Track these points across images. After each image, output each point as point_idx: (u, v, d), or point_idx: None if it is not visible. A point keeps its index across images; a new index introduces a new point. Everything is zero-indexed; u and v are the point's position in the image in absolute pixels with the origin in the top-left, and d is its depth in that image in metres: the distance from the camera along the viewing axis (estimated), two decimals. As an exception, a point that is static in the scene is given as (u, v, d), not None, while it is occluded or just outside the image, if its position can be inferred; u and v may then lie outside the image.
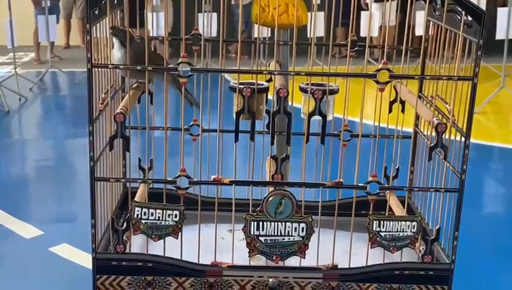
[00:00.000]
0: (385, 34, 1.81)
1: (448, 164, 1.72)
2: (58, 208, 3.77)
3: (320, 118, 1.67)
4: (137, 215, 1.66)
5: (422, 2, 1.78)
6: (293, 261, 1.69)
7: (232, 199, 1.72)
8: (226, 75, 1.79)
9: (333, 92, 1.87)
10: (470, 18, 1.64)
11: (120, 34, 1.77)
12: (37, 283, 2.83)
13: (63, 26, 9.17)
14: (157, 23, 5.55)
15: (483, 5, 6.37)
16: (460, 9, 1.66)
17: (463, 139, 1.67)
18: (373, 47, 2.10)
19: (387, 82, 1.63)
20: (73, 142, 5.09)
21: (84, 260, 2.94)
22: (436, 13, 1.89)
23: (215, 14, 6.50)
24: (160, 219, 1.66)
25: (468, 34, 1.65)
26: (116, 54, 1.78)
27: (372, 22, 6.66)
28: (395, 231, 1.69)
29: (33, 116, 6.03)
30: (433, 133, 1.68)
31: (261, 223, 1.65)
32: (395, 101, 1.96)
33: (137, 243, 1.82)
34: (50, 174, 4.42)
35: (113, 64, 1.73)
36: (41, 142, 5.23)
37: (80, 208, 3.50)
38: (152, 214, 1.66)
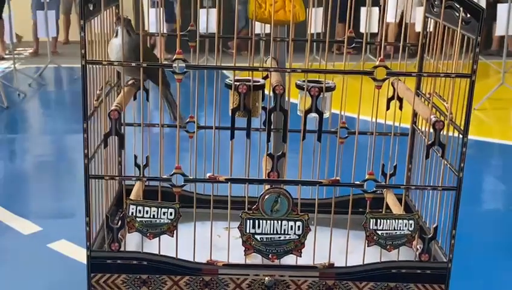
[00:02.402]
0: (386, 31, 1.80)
1: (445, 162, 1.71)
2: (57, 204, 3.76)
3: (317, 115, 1.66)
4: (132, 213, 1.65)
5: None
6: (289, 259, 1.68)
7: (228, 196, 1.71)
8: (225, 71, 1.78)
9: (330, 89, 1.86)
10: (468, 15, 1.62)
11: (125, 23, 1.75)
12: (35, 279, 2.83)
13: (62, 22, 9.17)
14: (155, 19, 5.52)
15: (483, 2, 6.35)
16: (458, 6, 1.65)
17: (461, 136, 1.65)
18: (371, 44, 2.09)
19: (385, 79, 1.62)
20: (72, 138, 5.08)
21: (82, 256, 2.92)
22: (434, 10, 1.88)
23: (214, 10, 6.49)
24: (155, 216, 1.65)
25: (466, 30, 1.64)
26: (115, 41, 1.76)
27: (372, 18, 6.64)
28: (392, 230, 1.68)
29: (32, 112, 6.03)
30: (431, 131, 1.67)
31: (257, 221, 1.64)
32: (392, 98, 1.95)
33: (132, 241, 1.81)
34: (48, 170, 4.42)
35: (107, 61, 1.72)
36: (40, 137, 5.23)
37: (79, 204, 3.47)
38: (147, 212, 1.65)
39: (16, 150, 5.03)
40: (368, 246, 1.68)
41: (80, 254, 3.01)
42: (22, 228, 3.39)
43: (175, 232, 1.66)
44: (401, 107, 1.92)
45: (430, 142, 1.66)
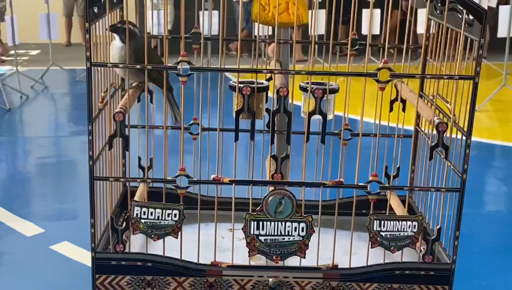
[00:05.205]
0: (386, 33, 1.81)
1: (449, 163, 1.71)
2: (59, 206, 3.77)
3: (321, 117, 1.66)
4: (137, 214, 1.66)
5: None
6: (293, 261, 1.69)
7: (232, 198, 1.72)
8: (227, 73, 1.78)
9: (333, 91, 1.86)
10: (471, 17, 1.63)
11: (121, 29, 1.76)
12: (38, 281, 2.83)
13: (64, 24, 9.19)
14: (157, 21, 5.54)
15: (485, 4, 6.35)
16: (461, 8, 1.65)
17: (464, 138, 1.66)
18: (374, 45, 2.10)
19: (388, 81, 1.63)
20: (74, 140, 5.09)
21: (85, 258, 2.94)
22: (437, 12, 1.88)
23: (216, 12, 6.50)
24: (160, 218, 1.66)
25: (469, 32, 1.65)
26: (116, 45, 1.77)
27: (374, 19, 6.64)
28: (395, 231, 1.68)
29: (34, 114, 6.03)
30: (434, 132, 1.67)
31: (261, 222, 1.64)
32: (396, 99, 1.95)
33: (137, 243, 1.82)
34: (51, 171, 4.42)
35: (112, 63, 1.72)
36: (43, 139, 5.23)
37: (81, 206, 3.50)
38: (152, 214, 1.66)
39: (18, 152, 5.04)
40: (371, 248, 1.68)
41: (82, 256, 3.01)
42: (25, 230, 3.39)
43: (179, 233, 1.67)
44: (404, 109, 1.93)
45: (433, 143, 1.67)
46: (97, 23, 1.70)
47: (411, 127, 2.07)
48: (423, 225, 1.70)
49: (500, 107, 6.12)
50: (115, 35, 1.77)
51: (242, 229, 1.65)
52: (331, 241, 1.69)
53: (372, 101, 1.79)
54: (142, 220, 1.66)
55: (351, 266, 1.70)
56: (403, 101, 1.94)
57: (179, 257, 1.68)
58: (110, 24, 1.79)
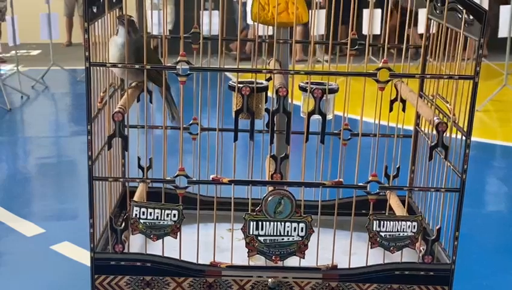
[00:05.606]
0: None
1: (449, 164, 1.71)
2: (60, 206, 3.77)
3: (320, 117, 1.66)
4: (136, 214, 1.65)
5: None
6: (292, 261, 1.68)
7: (231, 198, 1.71)
8: (227, 73, 1.78)
9: (333, 91, 1.86)
10: (471, 16, 1.62)
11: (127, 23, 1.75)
12: (38, 281, 2.83)
13: (65, 24, 9.19)
14: (158, 21, 5.53)
15: (486, 4, 6.34)
16: (461, 8, 1.65)
17: (464, 138, 1.65)
18: (374, 46, 2.09)
19: (388, 81, 1.62)
20: (75, 140, 5.09)
21: (85, 258, 2.92)
22: (437, 12, 1.88)
23: (216, 12, 6.50)
24: (159, 218, 1.66)
25: (469, 32, 1.64)
26: (118, 41, 1.76)
27: (374, 19, 6.63)
28: (395, 231, 1.68)
29: (35, 114, 6.03)
30: (434, 132, 1.67)
31: (260, 223, 1.64)
32: (395, 99, 1.95)
33: (136, 243, 1.81)
34: (51, 171, 4.42)
35: (110, 63, 1.72)
36: (43, 139, 5.24)
37: (81, 206, 3.49)
38: (151, 214, 1.65)
39: (19, 152, 5.04)
40: (371, 248, 1.68)
41: (83, 256, 3.01)
42: (25, 230, 3.39)
43: (178, 233, 1.67)
44: (404, 109, 1.93)
45: (433, 143, 1.67)
46: (96, 23, 1.70)
47: (411, 127, 2.07)
48: (423, 225, 1.70)
49: (501, 107, 6.12)
50: (119, 29, 1.75)
51: (241, 229, 1.65)
52: (331, 242, 1.69)
53: (372, 101, 1.79)
54: (141, 221, 1.66)
55: (351, 267, 1.70)
56: (403, 101, 1.94)
57: (178, 257, 1.68)
58: (109, 24, 1.79)
